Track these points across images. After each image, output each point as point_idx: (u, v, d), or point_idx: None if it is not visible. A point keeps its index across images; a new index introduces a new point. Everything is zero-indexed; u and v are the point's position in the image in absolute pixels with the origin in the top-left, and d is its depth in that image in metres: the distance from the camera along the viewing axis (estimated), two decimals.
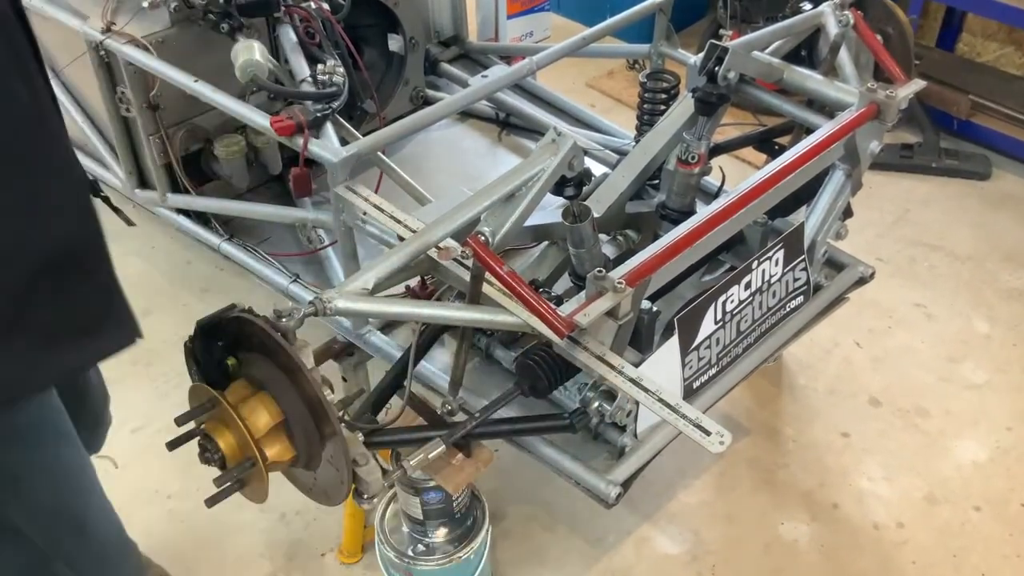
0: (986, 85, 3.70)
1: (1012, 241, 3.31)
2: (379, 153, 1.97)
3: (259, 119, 1.94)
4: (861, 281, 2.25)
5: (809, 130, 2.16)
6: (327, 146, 1.88)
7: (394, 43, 2.78)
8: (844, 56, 2.15)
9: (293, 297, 2.25)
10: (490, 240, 1.54)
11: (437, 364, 2.03)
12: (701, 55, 2.13)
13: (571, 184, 1.81)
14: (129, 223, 2.10)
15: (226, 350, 1.63)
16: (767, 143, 2.47)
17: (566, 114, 2.81)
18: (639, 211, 2.27)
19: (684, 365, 1.86)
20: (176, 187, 2.45)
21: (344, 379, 2.18)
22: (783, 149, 2.47)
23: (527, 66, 2.13)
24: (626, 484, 1.81)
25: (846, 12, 2.10)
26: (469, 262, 1.59)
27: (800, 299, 2.11)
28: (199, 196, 2.40)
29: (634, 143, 2.48)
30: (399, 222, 1.75)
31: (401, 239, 1.77)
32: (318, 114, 1.92)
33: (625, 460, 1.82)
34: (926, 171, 3.58)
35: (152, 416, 2.77)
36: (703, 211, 1.75)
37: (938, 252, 3.28)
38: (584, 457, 1.84)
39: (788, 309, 2.09)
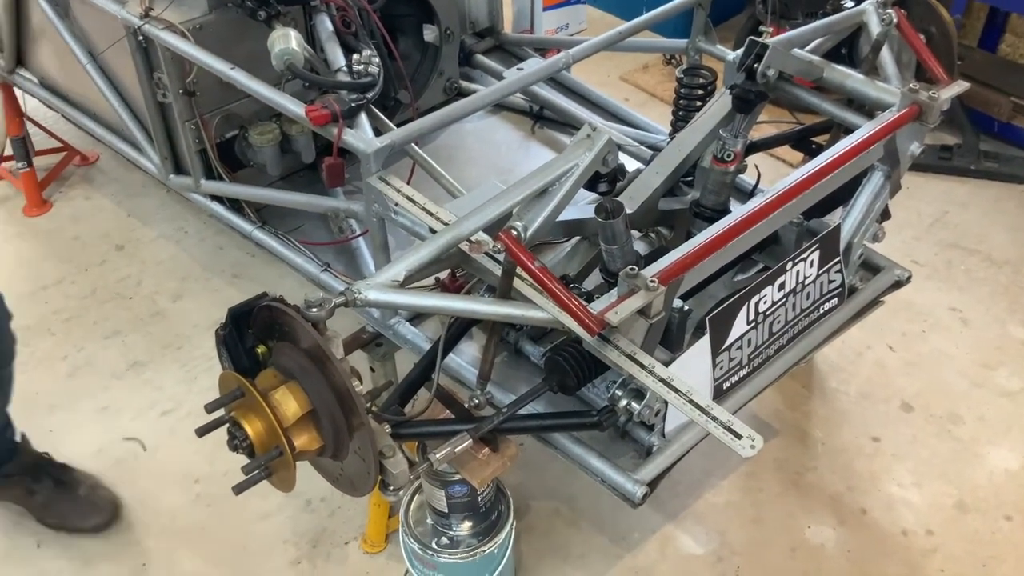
0: None
1: None
2: (412, 144, 1.96)
3: (294, 107, 1.94)
4: (897, 285, 2.22)
5: (848, 130, 2.13)
6: (361, 136, 1.88)
7: (429, 33, 2.77)
8: (886, 55, 2.12)
9: (323, 286, 2.25)
10: (522, 235, 1.53)
11: (465, 357, 2.02)
12: (740, 51, 2.11)
13: (605, 180, 1.80)
14: None
15: (257, 338, 1.63)
16: (804, 142, 2.44)
17: (600, 108, 2.79)
18: (672, 208, 2.25)
19: (715, 365, 1.85)
20: (210, 173, 2.46)
21: (372, 369, 2.19)
22: (821, 148, 2.44)
23: (562, 59, 2.12)
24: (653, 484, 1.80)
25: (889, 11, 2.06)
26: (500, 256, 1.58)
27: (834, 301, 2.08)
28: (233, 183, 2.40)
29: (669, 139, 2.46)
30: (431, 214, 1.74)
31: (433, 231, 1.77)
32: (352, 104, 1.92)
33: (652, 459, 1.81)
34: (965, 173, 3.52)
35: (181, 399, 2.80)
36: (738, 210, 1.73)
37: (975, 256, 3.22)
38: (611, 455, 1.83)
39: (822, 311, 2.07)
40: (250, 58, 2.27)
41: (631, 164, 2.55)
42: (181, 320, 3.05)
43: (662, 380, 1.44)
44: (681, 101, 2.40)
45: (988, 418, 2.69)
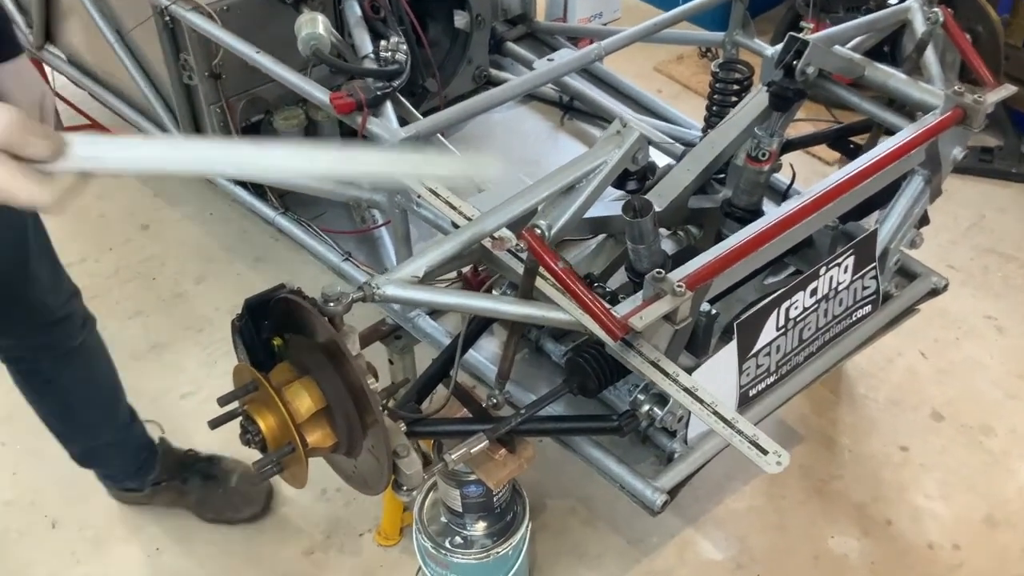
0: None
1: None
2: (438, 135, 1.92)
3: (319, 94, 1.90)
4: (933, 292, 2.15)
5: (889, 131, 2.06)
6: (386, 126, 1.84)
7: (460, 20, 2.72)
8: (930, 55, 2.04)
9: (344, 275, 2.22)
10: (546, 234, 1.48)
11: (485, 353, 1.98)
12: (779, 47, 2.04)
13: (634, 178, 1.75)
14: None
15: (273, 329, 1.60)
16: (842, 141, 2.38)
17: (632, 100, 2.73)
18: (702, 207, 2.19)
19: (741, 372, 1.80)
20: None
21: (391, 362, 2.15)
22: (859, 148, 2.37)
23: (595, 51, 2.06)
24: (673, 492, 1.75)
25: (935, 9, 1.99)
26: (524, 254, 1.54)
27: (868, 308, 2.02)
28: None
29: (702, 134, 2.40)
30: (454, 208, 1.70)
31: (455, 226, 1.73)
32: (378, 92, 1.88)
33: (673, 467, 1.76)
34: (1006, 177, 3.42)
35: (201, 383, 2.78)
36: (772, 213, 1.67)
37: (1013, 263, 3.14)
38: (631, 460, 1.79)
39: (855, 318, 2.01)
40: (277, 42, 2.24)
41: (662, 160, 2.50)
42: (203, 303, 3.03)
43: (686, 389, 1.40)
44: (716, 96, 2.34)
45: (1021, 430, 2.62)
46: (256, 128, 2.42)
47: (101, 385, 2.17)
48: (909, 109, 2.04)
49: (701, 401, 1.38)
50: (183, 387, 2.79)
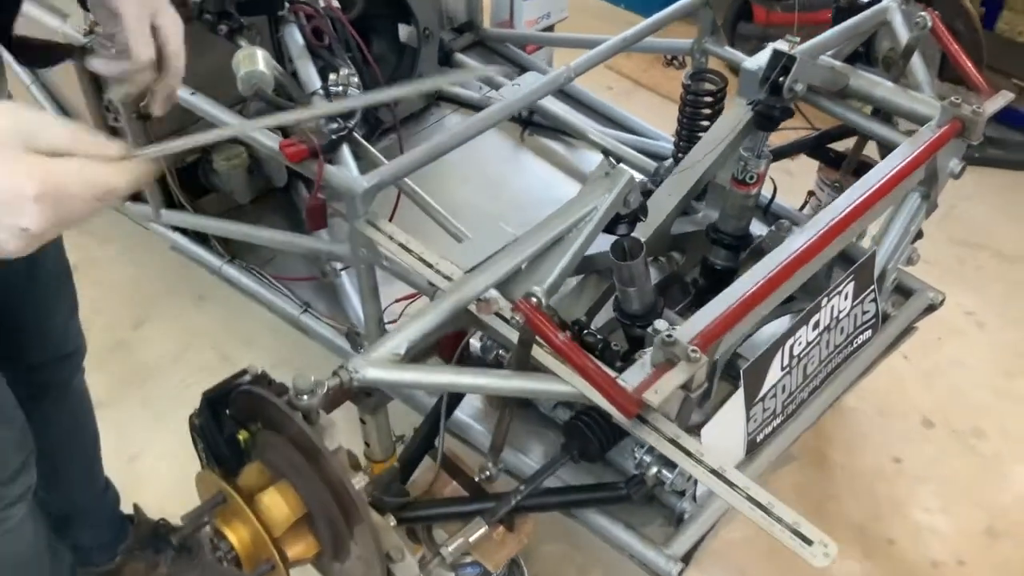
0: None
1: None
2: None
3: (267, 142, 1.71)
4: (930, 308, 2.05)
5: (872, 140, 1.96)
6: (345, 174, 1.65)
7: (405, 33, 2.54)
8: (917, 61, 1.93)
9: (304, 329, 2.03)
10: (543, 301, 1.32)
11: (468, 409, 1.82)
12: (758, 60, 1.91)
13: (625, 221, 1.59)
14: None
15: (237, 423, 1.42)
16: (822, 149, 2.26)
17: (594, 111, 2.57)
18: (684, 231, 2.06)
19: (748, 419, 1.66)
20: (171, 201, 2.22)
21: (363, 421, 1.98)
22: (840, 156, 2.26)
23: (564, 74, 1.90)
24: (687, 557, 1.62)
25: (923, 13, 1.87)
26: (517, 321, 1.38)
27: (868, 333, 1.90)
28: (197, 214, 2.17)
29: (674, 148, 2.26)
30: (431, 266, 1.53)
31: (431, 284, 1.56)
32: (333, 136, 1.69)
33: (685, 529, 1.63)
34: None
35: (150, 441, 2.57)
36: (780, 251, 1.54)
37: (985, 251, 3.08)
38: (637, 523, 1.65)
39: (855, 345, 1.89)
40: (212, 74, 2.03)
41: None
42: (144, 351, 2.81)
43: (713, 472, 1.26)
44: (687, 108, 2.20)
45: (1012, 432, 2.55)
46: (192, 169, 2.20)
47: (87, 438, 2.00)
48: (894, 118, 1.93)
49: (732, 485, 1.24)
50: (130, 448, 2.57)
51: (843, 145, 2.30)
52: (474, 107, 2.72)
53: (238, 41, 1.92)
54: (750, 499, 1.23)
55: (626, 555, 1.64)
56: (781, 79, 1.78)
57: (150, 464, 2.52)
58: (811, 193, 2.52)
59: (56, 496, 1.96)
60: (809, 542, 1.18)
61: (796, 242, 1.55)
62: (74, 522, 2.06)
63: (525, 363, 1.41)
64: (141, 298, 2.94)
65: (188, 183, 2.21)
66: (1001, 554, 2.29)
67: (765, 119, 1.82)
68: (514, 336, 1.43)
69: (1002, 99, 1.79)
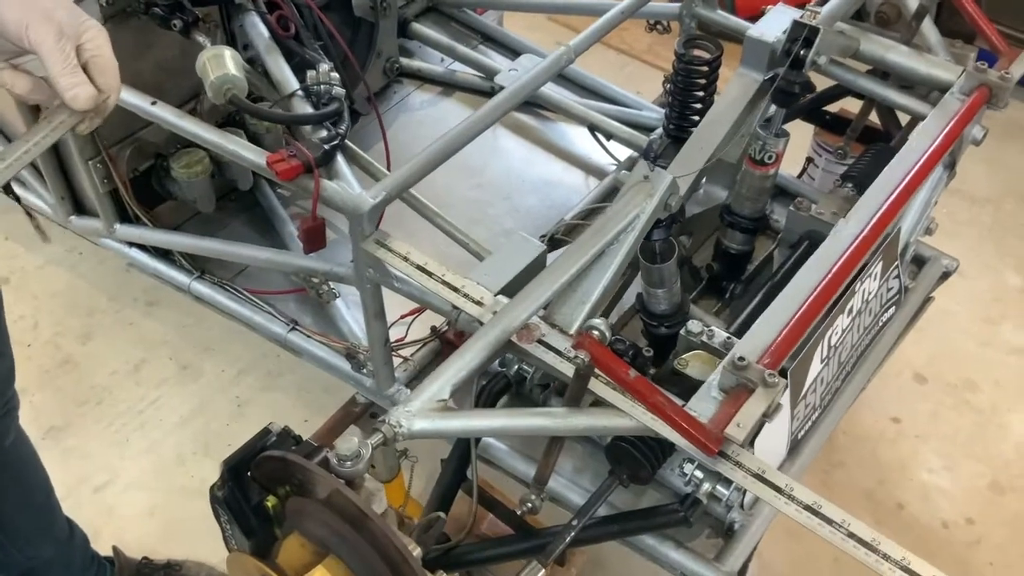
0: None
1: None
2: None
3: (252, 157, 1.51)
4: (945, 276, 1.99)
5: (880, 107, 1.87)
6: (346, 190, 1.47)
7: (360, 8, 2.32)
8: (928, 22, 1.83)
9: (294, 349, 1.86)
10: (606, 335, 1.19)
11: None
12: (763, 29, 1.79)
13: (663, 225, 1.47)
14: (44, 238, 1.67)
15: (263, 486, 1.27)
16: (817, 113, 2.17)
17: (573, 83, 2.41)
18: (691, 212, 1.95)
19: (792, 418, 1.58)
20: (125, 214, 1.99)
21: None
22: (837, 119, 2.17)
23: (565, 55, 1.73)
24: (742, 571, 1.54)
25: None
26: (577, 355, 1.25)
27: (892, 310, 1.84)
28: (158, 228, 1.95)
29: (665, 119, 2.12)
30: (456, 290, 1.38)
31: (455, 308, 1.41)
32: (326, 147, 1.51)
33: (737, 541, 1.54)
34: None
35: (116, 469, 2.38)
36: (832, 246, 1.43)
37: (955, 195, 3.05)
38: (684, 538, 1.56)
39: (881, 323, 1.82)
40: (160, 71, 1.83)
41: (624, 152, 2.23)
42: (95, 367, 2.58)
43: (808, 508, 1.16)
44: (679, 78, 2.06)
45: (1003, 381, 2.56)
46: (146, 177, 1.98)
47: (34, 491, 1.79)
48: (911, 84, 1.83)
49: (831, 522, 1.15)
50: (95, 477, 2.37)
51: (835, 107, 2.21)
52: (438, 82, 2.54)
53: (195, 37, 1.70)
54: (852, 536, 1.14)
55: (677, 574, 1.55)
56: (803, 52, 1.65)
57: (119, 493, 2.33)
58: (809, 160, 2.44)
59: (14, 553, 1.79)
60: None
61: (847, 235, 1.45)
62: (39, 574, 1.88)
63: (580, 396, 1.28)
64: (84, 309, 2.70)
65: (139, 191, 1.98)
66: (1009, 509, 2.30)
67: (785, 95, 1.69)
68: (562, 365, 1.31)
69: None
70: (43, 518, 1.83)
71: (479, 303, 1.37)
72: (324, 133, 1.54)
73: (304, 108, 1.60)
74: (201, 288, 1.96)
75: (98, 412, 2.49)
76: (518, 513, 1.47)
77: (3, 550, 1.76)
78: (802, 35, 1.65)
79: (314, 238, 1.56)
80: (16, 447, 1.70)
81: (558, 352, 1.28)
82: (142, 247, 2.02)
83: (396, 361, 1.74)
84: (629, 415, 1.24)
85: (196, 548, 2.17)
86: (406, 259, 1.43)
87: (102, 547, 2.21)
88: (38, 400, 2.51)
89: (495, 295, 1.37)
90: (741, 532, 1.55)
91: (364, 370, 1.74)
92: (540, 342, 1.32)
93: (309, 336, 1.84)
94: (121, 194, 1.92)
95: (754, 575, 2.16)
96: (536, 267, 1.42)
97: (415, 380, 1.78)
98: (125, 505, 2.32)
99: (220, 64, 1.56)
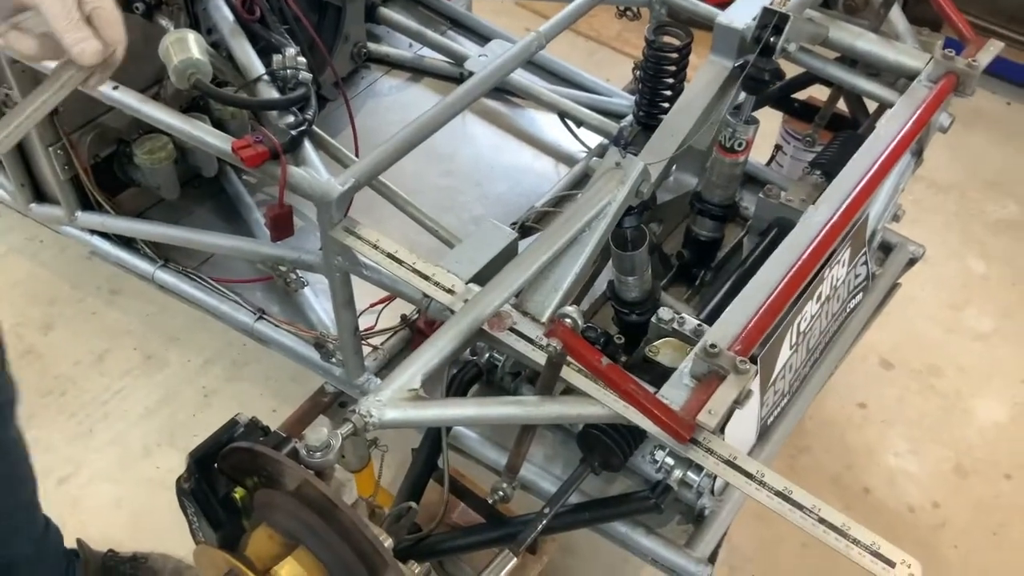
0: None
1: (991, 166, 3.16)
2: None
3: (217, 143, 1.48)
4: (912, 262, 2.01)
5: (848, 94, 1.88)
6: (313, 176, 1.45)
7: None
8: (896, 10, 1.84)
9: (261, 338, 1.84)
10: (578, 323, 1.19)
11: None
12: (733, 15, 1.79)
13: (634, 212, 1.46)
14: None
15: (230, 478, 1.25)
16: (786, 100, 2.17)
17: (542, 69, 2.40)
18: (663, 200, 1.95)
19: (762, 405, 1.59)
20: (87, 201, 1.95)
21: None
22: (805, 107, 2.18)
23: (535, 41, 1.72)
24: (712, 557, 1.55)
25: None
26: (549, 343, 1.24)
27: (860, 296, 1.85)
28: (120, 216, 1.92)
29: (635, 106, 2.12)
30: (428, 278, 1.36)
31: (426, 296, 1.40)
32: (293, 132, 1.48)
33: (707, 528, 1.55)
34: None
35: (78, 460, 2.34)
36: (801, 233, 1.44)
37: (920, 182, 3.08)
38: (654, 524, 1.56)
39: (848, 310, 1.84)
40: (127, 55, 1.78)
41: (592, 140, 2.23)
42: (58, 357, 2.53)
43: (779, 494, 1.17)
44: (649, 64, 2.05)
45: (967, 367, 2.59)
46: (108, 163, 1.94)
47: (25, 488, 1.77)
48: (879, 72, 1.84)
49: (802, 508, 1.15)
50: (58, 469, 2.33)
51: (803, 94, 2.22)
52: (406, 68, 2.52)
53: (158, 20, 1.67)
54: (823, 521, 1.15)
55: (648, 560, 1.56)
56: (772, 39, 1.65)
57: (84, 485, 2.30)
58: (778, 147, 2.45)
59: None
60: (892, 564, 1.11)
61: (816, 221, 1.45)
62: (15, 572, 1.84)
63: (553, 384, 1.28)
64: (46, 298, 2.65)
65: (101, 177, 1.95)
66: (973, 492, 2.33)
67: (755, 82, 1.69)
68: (534, 353, 1.30)
69: (994, 48, 1.72)
70: (26, 516, 1.80)
71: (450, 291, 1.36)
72: (291, 119, 1.51)
73: (270, 93, 1.57)
74: (165, 277, 1.93)
75: (61, 403, 2.45)
76: (490, 502, 1.46)
77: None
78: (772, 22, 1.65)
79: (281, 226, 1.53)
80: (11, 442, 1.66)
81: (530, 340, 1.27)
82: (104, 235, 1.98)
83: (366, 350, 1.73)
84: (601, 403, 1.23)
85: (163, 540, 2.14)
86: (376, 247, 1.41)
87: (67, 540, 2.18)
88: None
89: (466, 283, 1.36)
90: (711, 518, 1.56)
91: (333, 359, 1.72)
92: (512, 330, 1.31)
93: (277, 325, 1.82)
94: (82, 181, 1.88)
95: (722, 559, 2.18)
96: (508, 255, 1.41)
97: (385, 369, 1.77)
98: (90, 497, 2.29)
99: (184, 48, 1.52)
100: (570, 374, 1.26)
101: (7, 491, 1.70)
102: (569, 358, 1.18)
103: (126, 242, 1.99)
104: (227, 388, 2.47)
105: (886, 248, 2.01)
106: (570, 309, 1.18)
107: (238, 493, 1.24)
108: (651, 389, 1.23)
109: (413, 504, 1.30)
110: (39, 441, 2.39)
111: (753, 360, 1.35)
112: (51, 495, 2.27)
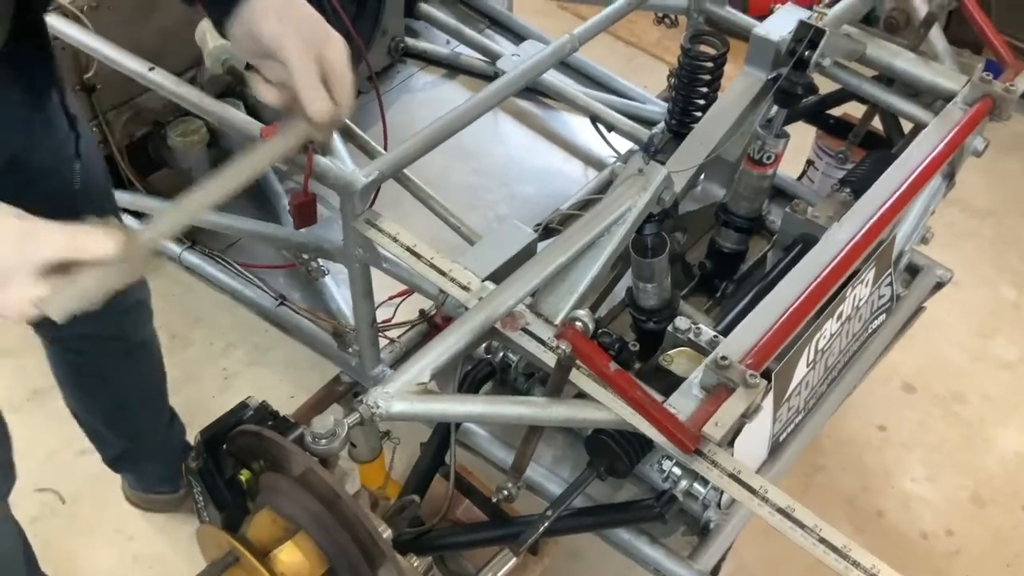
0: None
1: None
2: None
3: (247, 128, 1.50)
4: (939, 286, 1.98)
5: (883, 112, 1.85)
6: (338, 166, 1.47)
7: None
8: (936, 30, 1.81)
9: (281, 324, 1.85)
10: (589, 327, 1.19)
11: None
12: (770, 27, 1.78)
13: (655, 219, 1.46)
14: None
15: (237, 460, 1.26)
16: (820, 116, 2.15)
17: (578, 72, 2.40)
18: (688, 210, 1.94)
19: (775, 420, 1.58)
20: (119, 179, 1.98)
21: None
22: (840, 123, 2.16)
23: (568, 43, 1.72)
24: (715, 570, 1.54)
25: None
26: (558, 345, 1.24)
27: (883, 317, 1.83)
28: (154, 197, 1.94)
29: (668, 114, 2.11)
30: (444, 274, 1.37)
31: (443, 292, 1.40)
32: None
33: (711, 541, 1.54)
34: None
35: None
36: (823, 249, 1.43)
37: (955, 206, 3.04)
38: (659, 533, 1.56)
39: (870, 331, 1.82)
40: (161, 37, 1.81)
41: (623, 145, 2.22)
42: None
43: (780, 511, 1.16)
44: (684, 72, 2.04)
45: (991, 395, 2.55)
46: (143, 144, 1.97)
47: (156, 383, 1.91)
48: (916, 91, 1.82)
49: (803, 526, 1.15)
50: (80, 440, 2.34)
51: (839, 110, 2.20)
52: (442, 64, 2.53)
53: (197, 5, 1.68)
54: (823, 540, 1.14)
55: (650, 569, 1.55)
56: (807, 53, 1.64)
57: (99, 460, 2.32)
58: (809, 162, 2.43)
59: (121, 435, 1.96)
60: None
61: (839, 239, 1.44)
62: (138, 456, 2.03)
63: (561, 386, 1.28)
64: None
65: (134, 159, 1.98)
66: (989, 522, 2.30)
67: (787, 96, 1.68)
68: (544, 355, 1.30)
69: None
70: (154, 411, 1.96)
71: (466, 288, 1.36)
72: None
73: None
74: (192, 258, 1.96)
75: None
76: (494, 500, 1.47)
77: (109, 428, 1.94)
78: (807, 36, 1.64)
79: (305, 213, 1.55)
80: (147, 342, 1.81)
81: (541, 341, 1.28)
82: (135, 213, 2.01)
83: (383, 342, 1.74)
84: (608, 408, 1.24)
85: (176, 516, 2.18)
86: (395, 240, 1.42)
87: (82, 514, 2.23)
88: (27, 363, 2.50)
89: (482, 281, 1.37)
90: (716, 531, 1.55)
91: (350, 349, 1.74)
92: (524, 330, 1.31)
93: (297, 312, 1.84)
94: (116, 159, 1.91)
95: (728, 573, 2.17)
96: (525, 255, 1.41)
97: (400, 362, 1.78)
98: (108, 470, 2.32)
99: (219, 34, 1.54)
100: (579, 378, 1.26)
101: (138, 389, 1.85)
102: (578, 362, 1.18)
103: None
104: (247, 372, 2.50)
105: (913, 270, 1.99)
106: (582, 313, 1.18)
107: (244, 475, 1.26)
108: (660, 398, 1.23)
109: (415, 497, 1.31)
110: (61, 411, 2.43)
111: (766, 375, 1.35)
112: (72, 467, 2.32)
